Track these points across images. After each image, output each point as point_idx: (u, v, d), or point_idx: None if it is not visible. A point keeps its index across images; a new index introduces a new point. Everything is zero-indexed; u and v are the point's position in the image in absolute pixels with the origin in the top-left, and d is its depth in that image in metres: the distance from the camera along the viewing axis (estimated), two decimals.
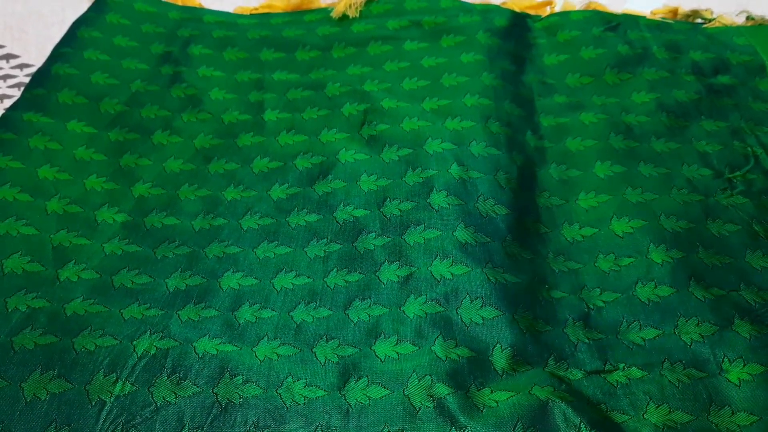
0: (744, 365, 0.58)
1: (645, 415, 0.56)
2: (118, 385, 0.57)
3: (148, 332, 0.61)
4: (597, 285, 0.67)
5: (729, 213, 0.72)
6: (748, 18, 0.99)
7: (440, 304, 0.63)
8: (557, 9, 1.04)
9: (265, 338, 0.61)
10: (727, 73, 0.90)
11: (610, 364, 0.59)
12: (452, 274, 0.65)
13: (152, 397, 0.57)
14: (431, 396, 0.56)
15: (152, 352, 0.60)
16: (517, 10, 1.02)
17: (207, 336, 0.61)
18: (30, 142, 0.77)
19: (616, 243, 0.70)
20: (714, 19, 0.99)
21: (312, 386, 0.58)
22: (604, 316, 0.64)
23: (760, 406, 0.56)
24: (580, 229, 0.72)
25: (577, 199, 0.75)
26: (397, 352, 0.60)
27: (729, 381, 0.57)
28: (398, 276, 0.66)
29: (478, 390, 0.57)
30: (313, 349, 0.60)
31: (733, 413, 0.56)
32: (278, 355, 0.60)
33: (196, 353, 0.60)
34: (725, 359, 0.59)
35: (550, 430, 0.54)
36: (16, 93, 0.91)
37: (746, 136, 0.81)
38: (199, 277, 0.67)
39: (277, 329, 0.62)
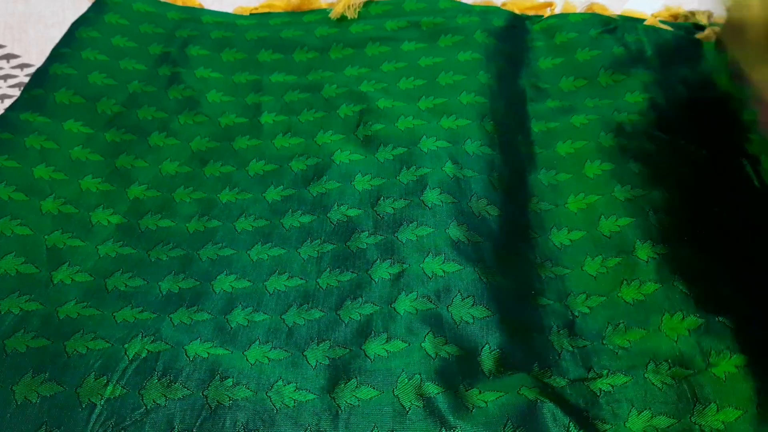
0: (730, 356, 0.58)
1: (626, 424, 0.56)
2: (109, 388, 0.57)
3: (140, 335, 0.61)
4: (583, 290, 0.67)
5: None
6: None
7: (431, 301, 0.63)
8: (557, 11, 1.04)
9: (257, 342, 0.62)
10: (715, 90, 0.89)
11: (594, 372, 0.60)
12: (444, 271, 0.65)
13: (142, 400, 0.57)
14: (421, 395, 0.57)
15: (143, 355, 0.60)
16: (517, 11, 1.02)
17: (199, 339, 0.61)
18: (26, 141, 0.77)
19: (604, 243, 0.70)
20: (710, 25, 0.99)
21: (302, 390, 0.58)
22: (588, 322, 0.64)
23: (744, 399, 0.56)
24: (568, 233, 0.72)
25: (566, 203, 0.75)
26: (386, 350, 0.60)
27: (715, 376, 0.58)
28: (390, 273, 0.66)
29: (467, 390, 0.57)
30: (305, 353, 0.61)
31: (718, 410, 0.56)
32: (269, 359, 0.60)
33: (187, 356, 0.60)
34: (712, 352, 0.59)
35: (539, 429, 0.55)
36: (17, 93, 0.91)
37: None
38: (192, 280, 0.68)
39: (269, 333, 0.63)
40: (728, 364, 0.58)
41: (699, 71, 0.91)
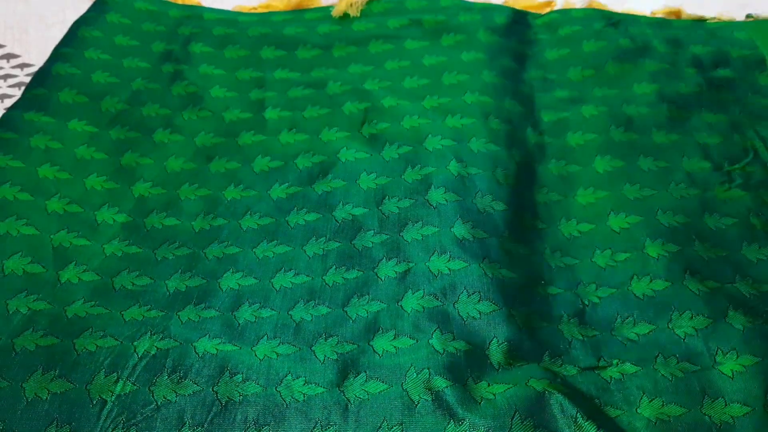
0: (737, 357, 0.59)
1: (638, 410, 0.56)
2: (119, 385, 0.58)
3: (149, 333, 0.62)
4: (593, 281, 0.67)
5: (726, 207, 0.72)
6: (747, 16, 0.99)
7: (437, 299, 0.63)
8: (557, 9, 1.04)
9: (265, 337, 0.62)
10: (727, 66, 0.90)
11: (604, 360, 0.60)
12: (449, 269, 0.65)
13: (153, 396, 0.57)
14: (429, 389, 0.57)
15: (153, 352, 0.60)
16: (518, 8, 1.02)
17: (207, 336, 0.62)
18: (31, 141, 0.77)
19: (613, 238, 0.70)
20: (714, 17, 1.00)
21: (311, 384, 0.58)
22: (598, 312, 0.64)
23: (753, 397, 0.56)
24: (577, 224, 0.72)
25: (575, 195, 0.75)
26: (395, 347, 0.60)
27: (722, 373, 0.58)
28: (396, 272, 0.66)
29: (476, 383, 0.57)
30: (312, 348, 0.61)
31: (726, 404, 0.56)
32: (278, 354, 0.60)
33: (196, 353, 0.60)
34: (719, 351, 0.59)
35: (546, 420, 0.55)
36: (17, 93, 0.91)
37: (745, 129, 0.82)
38: (199, 278, 0.68)
39: (277, 328, 0.63)
40: (735, 363, 0.58)
41: (710, 50, 0.92)
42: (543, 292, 0.66)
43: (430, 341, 0.60)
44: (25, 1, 1.08)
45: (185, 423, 0.56)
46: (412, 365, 0.59)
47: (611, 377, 0.59)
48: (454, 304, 0.63)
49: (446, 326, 0.61)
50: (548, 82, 0.89)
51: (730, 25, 0.97)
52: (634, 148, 0.79)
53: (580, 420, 0.54)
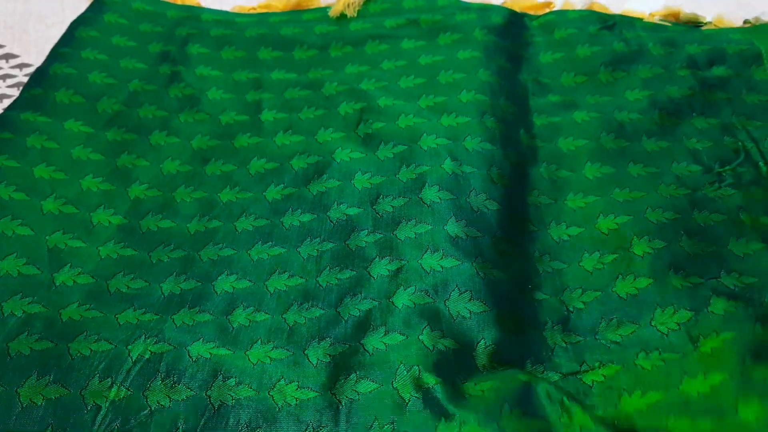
0: (717, 336, 0.59)
1: (618, 406, 0.57)
2: (114, 390, 0.58)
3: (143, 337, 0.62)
4: (579, 285, 0.67)
5: (716, 204, 0.73)
6: (745, 22, 0.99)
7: (429, 296, 0.64)
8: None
9: (259, 342, 0.62)
10: (723, 63, 0.90)
11: (587, 365, 0.60)
12: (442, 266, 0.65)
13: (147, 401, 0.58)
14: (419, 387, 0.57)
15: (147, 356, 0.60)
16: (516, 10, 1.02)
17: (201, 340, 0.62)
18: (27, 141, 0.77)
19: (601, 240, 0.71)
20: (710, 22, 0.99)
21: (304, 388, 0.59)
22: (583, 318, 0.65)
23: (730, 365, 0.56)
24: (566, 228, 0.73)
25: (565, 200, 0.75)
26: (385, 343, 0.61)
27: (702, 353, 0.58)
28: (389, 270, 0.67)
29: (463, 383, 0.58)
30: (306, 351, 0.61)
31: (705, 378, 0.57)
32: (271, 359, 0.61)
33: (190, 357, 0.61)
34: (700, 338, 0.60)
35: (535, 407, 0.55)
36: (16, 93, 0.91)
37: (737, 131, 0.81)
38: (193, 281, 0.68)
39: (270, 332, 0.63)
40: (715, 341, 0.59)
41: (706, 48, 0.92)
42: (530, 297, 0.66)
43: (420, 337, 0.60)
44: (24, 1, 1.08)
45: (178, 428, 0.56)
46: (401, 362, 0.59)
47: (594, 381, 0.59)
48: (445, 302, 0.63)
49: (436, 324, 0.61)
50: (542, 85, 0.90)
51: (726, 30, 0.97)
52: (624, 156, 0.79)
53: (566, 402, 0.55)
